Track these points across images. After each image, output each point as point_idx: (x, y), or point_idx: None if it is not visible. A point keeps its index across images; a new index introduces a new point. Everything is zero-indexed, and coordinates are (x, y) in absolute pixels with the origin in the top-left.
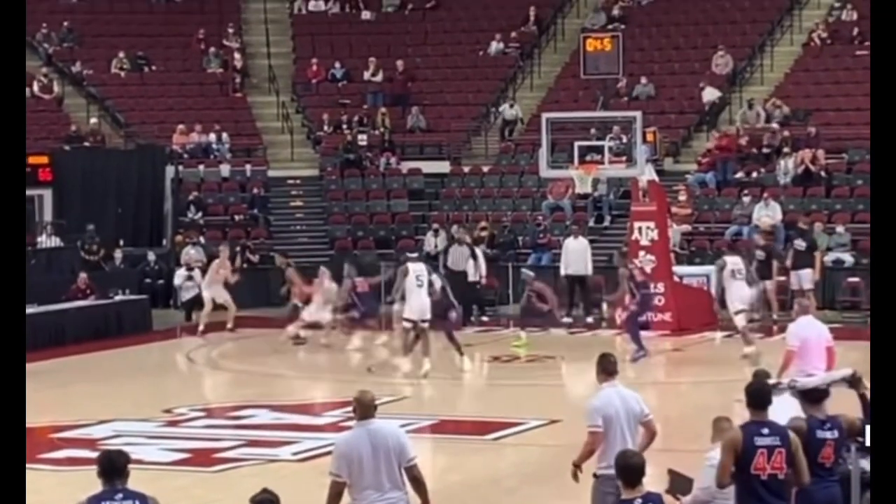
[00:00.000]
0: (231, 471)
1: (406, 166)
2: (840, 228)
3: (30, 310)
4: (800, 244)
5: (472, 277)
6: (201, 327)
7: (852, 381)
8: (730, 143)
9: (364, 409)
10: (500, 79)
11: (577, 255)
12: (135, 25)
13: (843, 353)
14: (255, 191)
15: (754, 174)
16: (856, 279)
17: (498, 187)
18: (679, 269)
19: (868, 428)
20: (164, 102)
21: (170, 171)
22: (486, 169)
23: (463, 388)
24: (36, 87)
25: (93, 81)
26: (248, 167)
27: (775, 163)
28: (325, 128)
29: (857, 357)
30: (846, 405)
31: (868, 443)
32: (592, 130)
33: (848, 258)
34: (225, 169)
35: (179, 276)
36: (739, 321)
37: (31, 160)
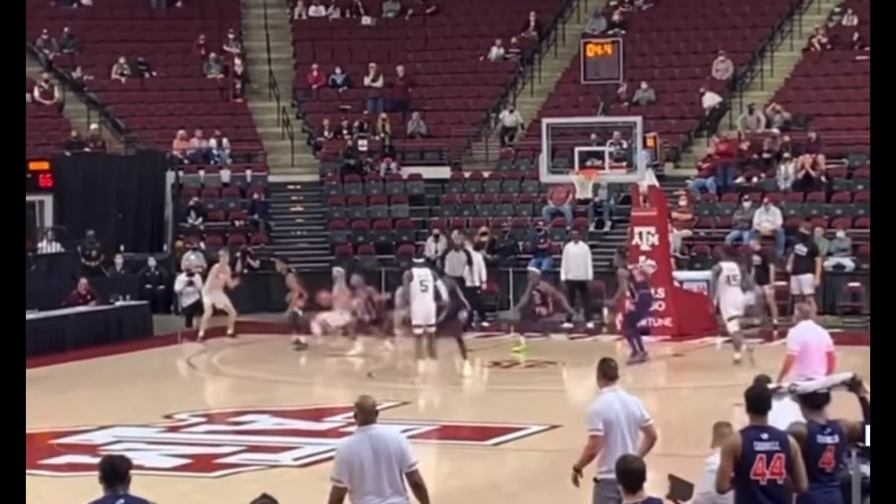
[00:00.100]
0: (232, 476)
1: (406, 172)
2: (840, 233)
3: (30, 315)
4: (800, 249)
5: (468, 283)
6: (202, 333)
7: (852, 385)
8: (730, 148)
9: (365, 414)
10: (501, 84)
11: (577, 261)
12: (135, 31)
13: (843, 358)
14: (256, 196)
15: (755, 179)
16: (856, 284)
17: (498, 192)
18: (679, 275)
19: (868, 429)
20: (165, 108)
21: (170, 176)
22: (486, 174)
23: (463, 394)
24: (36, 93)
25: (93, 87)
26: (248, 173)
27: (776, 168)
28: (326, 133)
29: (857, 362)
30: (846, 409)
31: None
32: (593, 136)
33: (848, 263)
34: (225, 174)
35: (180, 281)
36: (731, 327)
37: (32, 166)
